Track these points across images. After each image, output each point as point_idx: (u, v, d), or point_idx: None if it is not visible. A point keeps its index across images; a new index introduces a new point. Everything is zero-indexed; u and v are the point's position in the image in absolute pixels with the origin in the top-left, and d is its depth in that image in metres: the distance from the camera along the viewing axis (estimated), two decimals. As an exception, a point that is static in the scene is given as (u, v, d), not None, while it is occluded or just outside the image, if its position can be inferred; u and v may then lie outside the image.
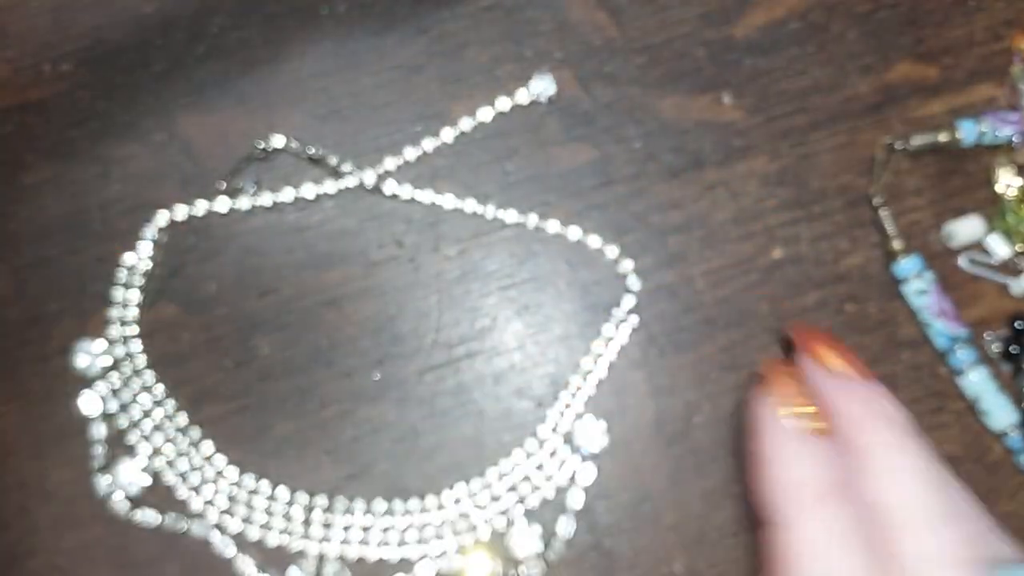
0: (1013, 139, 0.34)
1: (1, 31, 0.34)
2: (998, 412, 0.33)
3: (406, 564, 0.32)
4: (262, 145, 0.33)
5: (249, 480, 0.32)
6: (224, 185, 0.33)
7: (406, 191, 0.33)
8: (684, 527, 0.32)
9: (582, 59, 0.34)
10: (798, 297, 0.33)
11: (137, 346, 0.33)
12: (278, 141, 0.33)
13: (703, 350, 0.33)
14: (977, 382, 0.33)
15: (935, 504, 0.26)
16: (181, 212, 0.33)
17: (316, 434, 0.33)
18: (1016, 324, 0.33)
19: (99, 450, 0.32)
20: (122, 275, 0.33)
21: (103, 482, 0.32)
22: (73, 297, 0.33)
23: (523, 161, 0.34)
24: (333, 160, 0.33)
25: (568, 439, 0.32)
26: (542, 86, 0.33)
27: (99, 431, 0.32)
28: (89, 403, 0.32)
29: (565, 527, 0.32)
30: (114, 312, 0.33)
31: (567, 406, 0.32)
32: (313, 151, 0.33)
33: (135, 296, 0.33)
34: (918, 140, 0.33)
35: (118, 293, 0.33)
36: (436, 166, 0.34)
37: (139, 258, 0.33)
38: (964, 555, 0.25)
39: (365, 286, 0.33)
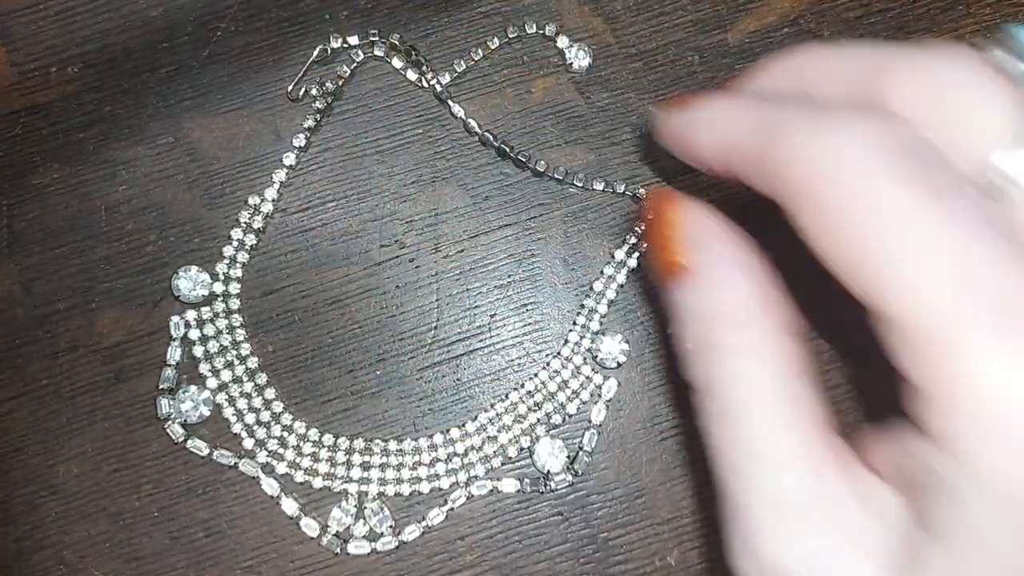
0: (1000, 142, 0.34)
1: (8, 35, 0.34)
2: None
3: (438, 494, 0.33)
4: (321, 46, 0.34)
5: (300, 426, 0.33)
6: (291, 89, 0.33)
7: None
8: (678, 521, 0.33)
9: (579, 64, 0.35)
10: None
11: (235, 288, 0.34)
12: (349, 40, 0.34)
13: (697, 348, 0.34)
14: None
15: None
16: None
17: (319, 430, 0.33)
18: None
19: (170, 373, 0.33)
20: (245, 216, 0.34)
21: (164, 404, 0.33)
22: (80, 296, 0.34)
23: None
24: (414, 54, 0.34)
25: (589, 357, 0.33)
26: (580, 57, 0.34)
27: (174, 355, 0.33)
28: (176, 326, 0.33)
29: (589, 440, 0.33)
30: (227, 250, 0.33)
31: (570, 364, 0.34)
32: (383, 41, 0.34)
33: (251, 240, 0.34)
34: (907, 143, 0.34)
35: (236, 232, 0.34)
36: (437, 168, 0.34)
37: (262, 199, 0.34)
38: None
39: (367, 285, 0.34)
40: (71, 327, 0.33)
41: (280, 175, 0.34)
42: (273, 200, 0.34)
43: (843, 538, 0.18)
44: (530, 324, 0.34)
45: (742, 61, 0.34)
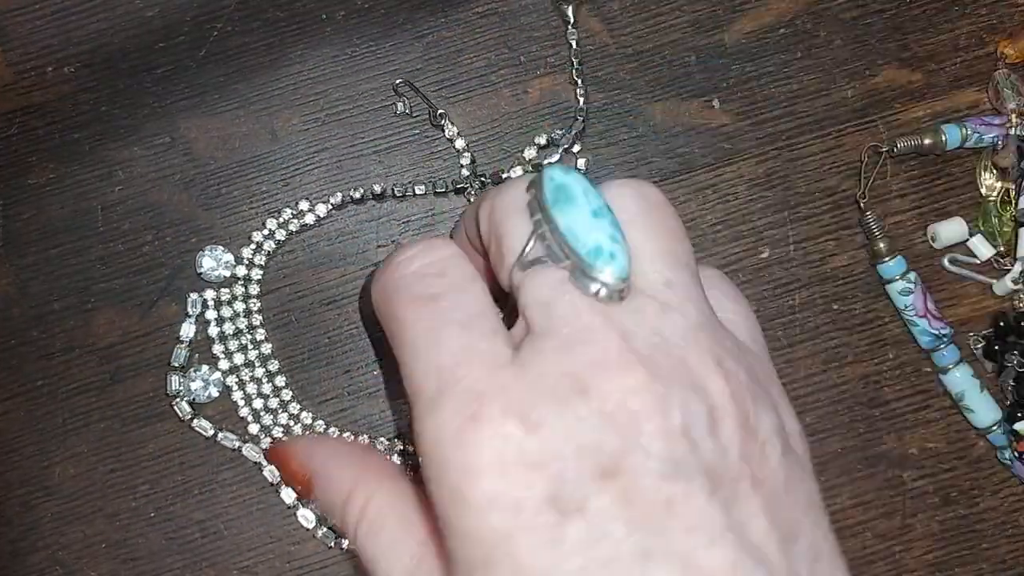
0: (996, 142, 0.34)
1: (4, 34, 0.34)
2: (982, 409, 0.34)
3: None
4: (440, 113, 0.34)
5: (306, 416, 0.33)
6: (400, 84, 0.34)
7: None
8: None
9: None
10: (785, 297, 0.34)
11: (257, 273, 0.34)
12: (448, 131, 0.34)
13: (694, 348, 0.34)
14: (961, 380, 0.34)
15: None
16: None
17: (325, 422, 0.33)
18: (999, 323, 0.34)
19: (182, 351, 0.33)
20: (277, 206, 0.34)
21: (175, 381, 0.33)
22: (76, 296, 0.34)
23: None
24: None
25: None
26: None
27: (189, 332, 0.33)
28: (193, 303, 0.33)
29: None
30: (256, 235, 0.33)
31: None
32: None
33: (283, 235, 0.34)
34: (903, 144, 0.34)
35: (271, 222, 0.34)
36: (434, 168, 0.34)
37: (311, 209, 0.34)
38: None
39: (364, 285, 0.34)
40: (67, 327, 0.33)
41: (336, 198, 0.34)
42: (319, 217, 0.34)
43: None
44: (527, 324, 0.34)
45: (739, 61, 0.34)
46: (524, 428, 0.19)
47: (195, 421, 0.33)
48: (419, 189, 0.34)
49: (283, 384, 0.33)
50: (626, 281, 0.21)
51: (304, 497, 0.29)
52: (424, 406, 0.20)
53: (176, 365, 0.33)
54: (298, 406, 0.33)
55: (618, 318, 0.20)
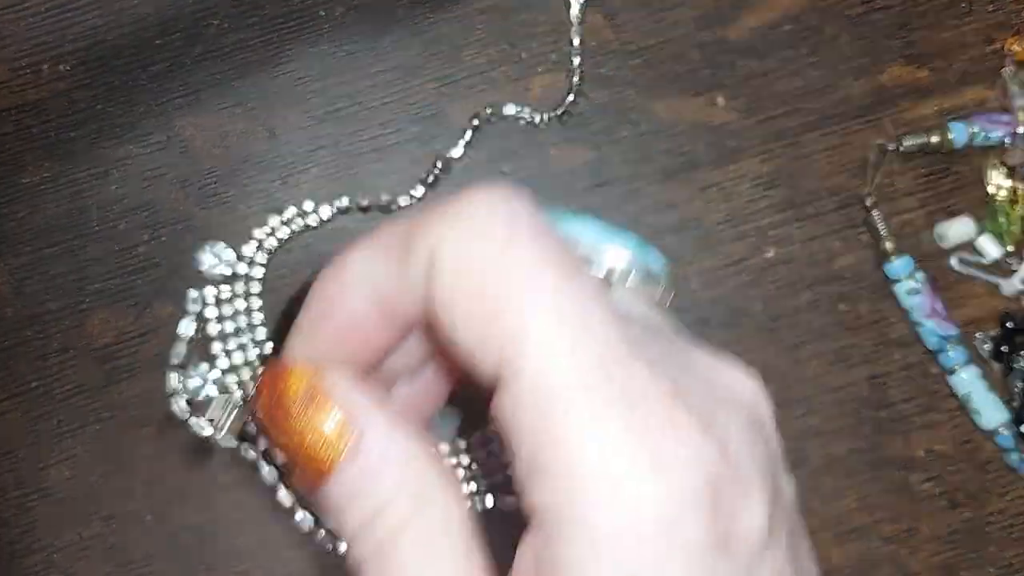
0: (1004, 141, 0.34)
1: (-1, 32, 0.34)
2: (989, 411, 0.33)
3: None
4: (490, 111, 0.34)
5: None
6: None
7: None
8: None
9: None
10: (791, 297, 0.34)
11: (258, 272, 0.33)
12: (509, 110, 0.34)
13: (697, 349, 0.33)
14: (968, 381, 0.33)
15: None
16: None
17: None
18: (1007, 324, 0.34)
19: (181, 348, 0.33)
20: (275, 205, 0.33)
21: (173, 378, 0.33)
22: (71, 297, 0.33)
23: (520, 162, 0.34)
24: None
25: None
26: None
27: (188, 329, 0.33)
28: (192, 301, 0.33)
29: None
30: (258, 233, 0.33)
31: None
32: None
33: (286, 233, 0.33)
34: (910, 142, 0.34)
35: (274, 220, 0.33)
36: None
37: (315, 210, 0.33)
38: None
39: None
40: (62, 328, 0.33)
41: (343, 202, 0.33)
42: (321, 220, 0.33)
43: None
44: (528, 325, 0.34)
45: (744, 58, 0.34)
46: None
47: (191, 419, 0.33)
48: (417, 192, 0.34)
49: None
50: None
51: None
52: None
53: (175, 362, 0.33)
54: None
55: None
